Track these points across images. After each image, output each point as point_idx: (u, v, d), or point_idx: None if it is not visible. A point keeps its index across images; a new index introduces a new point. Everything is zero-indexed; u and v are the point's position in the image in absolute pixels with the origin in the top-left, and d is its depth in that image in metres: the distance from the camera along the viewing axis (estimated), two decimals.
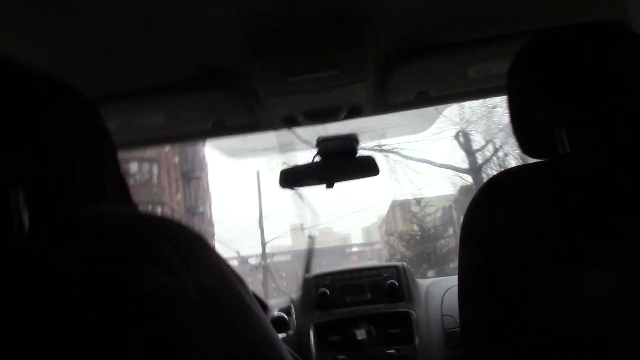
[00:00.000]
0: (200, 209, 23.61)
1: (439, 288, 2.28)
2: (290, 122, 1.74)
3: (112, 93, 1.44)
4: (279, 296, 2.74)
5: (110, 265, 0.61)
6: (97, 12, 1.10)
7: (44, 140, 0.67)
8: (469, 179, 14.73)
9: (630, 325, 0.77)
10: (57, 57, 1.24)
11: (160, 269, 0.63)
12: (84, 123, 0.83)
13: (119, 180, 0.90)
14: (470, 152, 13.61)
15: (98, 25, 1.14)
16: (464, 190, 15.68)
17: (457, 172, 15.04)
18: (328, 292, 2.30)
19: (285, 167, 1.99)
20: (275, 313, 2.26)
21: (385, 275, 2.34)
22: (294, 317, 2.28)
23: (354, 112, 1.72)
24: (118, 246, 0.63)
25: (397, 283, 2.29)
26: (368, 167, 1.93)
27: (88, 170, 0.79)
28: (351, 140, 1.85)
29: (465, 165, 14.33)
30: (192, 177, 23.74)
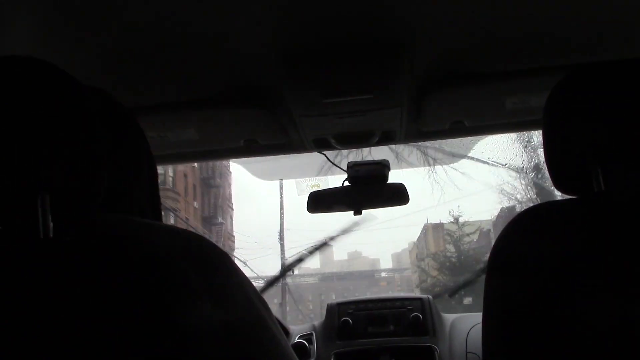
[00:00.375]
0: (220, 220, 22.47)
1: (465, 324, 2.22)
2: (321, 145, 1.72)
3: (144, 105, 1.44)
4: (303, 320, 2.72)
5: (131, 286, 0.61)
6: (135, 24, 1.10)
7: (75, 147, 0.67)
8: (519, 189, 13.39)
9: None
10: (92, 65, 1.25)
11: (183, 297, 0.62)
12: (121, 133, 0.83)
13: (154, 195, 0.90)
14: (529, 147, 11.29)
15: (135, 36, 1.15)
16: (505, 211, 14.90)
17: (510, 172, 13.27)
18: (351, 321, 2.26)
19: (314, 190, 1.97)
20: (296, 340, 2.23)
21: (409, 307, 2.29)
22: (315, 345, 2.24)
23: (387, 138, 1.69)
24: (140, 266, 0.63)
25: (421, 316, 2.24)
26: (398, 195, 1.90)
27: (123, 181, 0.80)
28: (382, 167, 1.82)
29: (520, 163, 12.13)
30: (212, 184, 22.61)
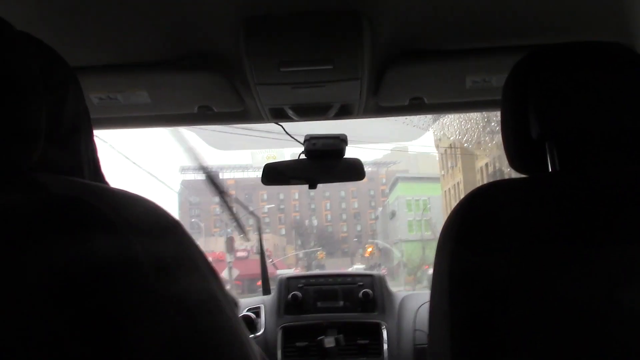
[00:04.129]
0: None
1: (414, 302, 2.25)
2: (278, 115, 1.69)
3: (96, 64, 1.38)
4: None
5: (69, 253, 0.55)
6: None
7: (6, 95, 0.61)
8: None
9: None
10: (36, 17, 1.16)
11: (128, 272, 0.57)
12: (62, 90, 0.77)
13: (93, 156, 0.84)
14: None
15: None
16: None
17: None
18: (300, 295, 2.26)
19: (269, 162, 1.94)
20: (244, 312, 2.22)
21: (360, 283, 2.30)
22: (263, 318, 2.23)
23: (345, 111, 1.67)
24: (81, 231, 0.57)
25: (371, 293, 2.25)
26: (354, 171, 1.89)
27: (62, 142, 0.75)
28: (340, 141, 1.80)
29: None
30: None
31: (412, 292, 2.40)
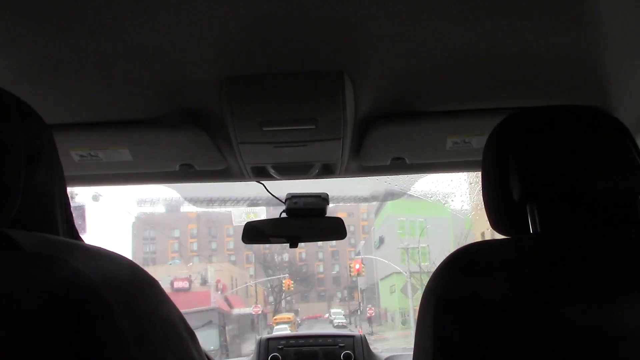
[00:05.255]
0: None
1: None
2: (260, 173, 1.69)
3: (78, 121, 1.38)
4: None
5: (45, 316, 0.54)
6: (67, 35, 1.04)
7: None
8: None
9: None
10: (17, 73, 1.16)
11: (105, 338, 0.56)
12: (38, 147, 0.76)
13: (66, 212, 0.82)
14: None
15: (71, 47, 1.08)
16: None
17: None
18: (280, 357, 2.21)
19: (250, 220, 1.93)
20: None
21: (341, 344, 2.27)
22: None
23: (327, 170, 1.68)
24: (59, 292, 0.56)
25: (353, 354, 2.20)
26: (335, 230, 1.88)
27: (37, 199, 0.73)
28: (321, 200, 1.80)
29: None
30: None
31: (395, 354, 2.36)
